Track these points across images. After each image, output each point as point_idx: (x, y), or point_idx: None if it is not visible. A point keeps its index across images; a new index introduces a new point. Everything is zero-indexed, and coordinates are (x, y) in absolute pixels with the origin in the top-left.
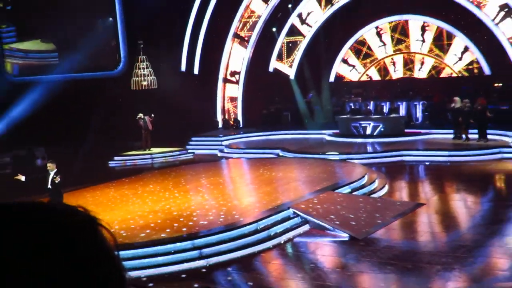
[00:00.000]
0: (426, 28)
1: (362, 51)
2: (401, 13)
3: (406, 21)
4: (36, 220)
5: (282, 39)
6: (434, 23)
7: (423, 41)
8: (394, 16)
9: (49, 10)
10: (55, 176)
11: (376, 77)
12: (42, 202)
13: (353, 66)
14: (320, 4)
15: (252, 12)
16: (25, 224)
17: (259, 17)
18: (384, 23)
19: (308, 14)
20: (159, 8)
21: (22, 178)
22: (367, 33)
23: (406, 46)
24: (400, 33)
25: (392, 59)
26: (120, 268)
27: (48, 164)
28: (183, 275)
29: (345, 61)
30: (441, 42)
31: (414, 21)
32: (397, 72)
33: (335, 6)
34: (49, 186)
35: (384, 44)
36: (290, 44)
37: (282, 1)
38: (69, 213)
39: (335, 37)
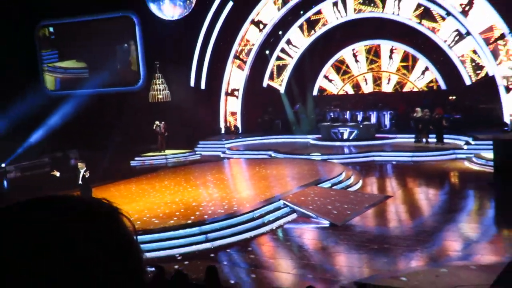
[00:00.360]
0: (394, 51)
1: (342, 69)
2: (374, 38)
3: (379, 45)
4: (36, 220)
5: (273, 61)
6: (401, 47)
7: (392, 61)
8: (368, 40)
9: (83, 38)
10: (84, 173)
11: (350, 91)
12: (51, 198)
13: (333, 82)
14: (303, 32)
15: (248, 41)
16: (25, 224)
17: (253, 44)
18: (360, 46)
19: (293, 40)
20: (172, 34)
21: (57, 174)
22: (346, 53)
23: (378, 66)
24: (373, 54)
25: (364, 76)
26: (137, 250)
27: (79, 164)
28: (192, 256)
29: (326, 77)
30: (407, 63)
31: (385, 45)
32: (368, 87)
33: (318, 33)
34: (80, 182)
35: (360, 64)
36: (280, 65)
37: (274, 28)
38: (78, 209)
39: (318, 58)
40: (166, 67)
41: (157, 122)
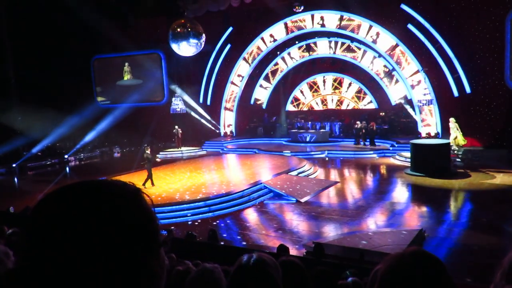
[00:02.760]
0: (352, 84)
1: (314, 88)
2: (340, 73)
3: (342, 78)
4: (93, 194)
5: (258, 86)
6: (355, 83)
7: (348, 91)
8: (335, 73)
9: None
10: (148, 154)
11: (315, 106)
12: (99, 182)
13: (305, 95)
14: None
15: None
16: (90, 196)
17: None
18: (329, 76)
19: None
20: (187, 65)
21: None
22: (319, 78)
23: (339, 91)
24: (338, 83)
25: (315, 100)
26: (154, 219)
27: (146, 149)
28: (199, 222)
29: (301, 91)
30: (359, 94)
31: (346, 79)
32: (319, 106)
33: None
34: (146, 160)
35: (325, 88)
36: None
37: (260, 62)
38: (120, 187)
39: (288, 86)
40: (182, 89)
41: (176, 127)
